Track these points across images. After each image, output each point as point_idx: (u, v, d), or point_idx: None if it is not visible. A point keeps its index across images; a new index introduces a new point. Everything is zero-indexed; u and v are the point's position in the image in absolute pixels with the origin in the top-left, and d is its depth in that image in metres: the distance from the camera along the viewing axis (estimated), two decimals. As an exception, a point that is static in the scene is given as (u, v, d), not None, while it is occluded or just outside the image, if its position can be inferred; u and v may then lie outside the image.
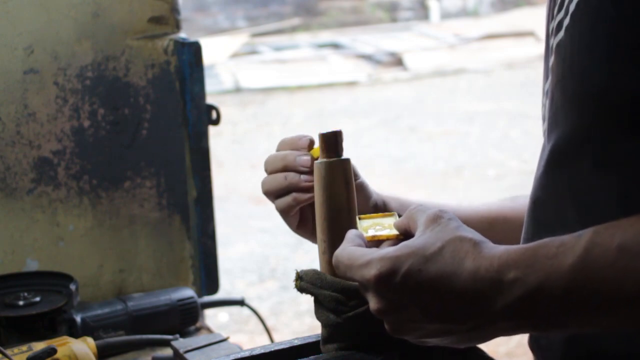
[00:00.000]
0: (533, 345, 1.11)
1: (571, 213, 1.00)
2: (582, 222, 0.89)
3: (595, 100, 0.95)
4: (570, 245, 0.85)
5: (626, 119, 0.94)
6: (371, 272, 0.89)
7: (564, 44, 0.99)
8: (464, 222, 0.95)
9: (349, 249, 0.95)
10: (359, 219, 1.06)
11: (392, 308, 0.90)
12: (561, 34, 0.99)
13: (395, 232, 1.00)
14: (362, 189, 1.17)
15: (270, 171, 1.15)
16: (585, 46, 0.95)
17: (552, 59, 1.02)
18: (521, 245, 0.88)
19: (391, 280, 0.88)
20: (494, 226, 1.24)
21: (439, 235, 0.90)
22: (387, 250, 0.90)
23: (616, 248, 0.82)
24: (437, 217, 0.93)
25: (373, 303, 0.92)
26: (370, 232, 1.02)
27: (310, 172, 1.10)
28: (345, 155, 1.08)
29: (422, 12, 15.11)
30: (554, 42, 1.01)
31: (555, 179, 1.03)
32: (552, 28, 1.03)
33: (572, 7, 0.97)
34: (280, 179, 1.13)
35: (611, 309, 0.84)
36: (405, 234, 0.98)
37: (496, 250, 0.88)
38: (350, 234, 0.99)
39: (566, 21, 0.98)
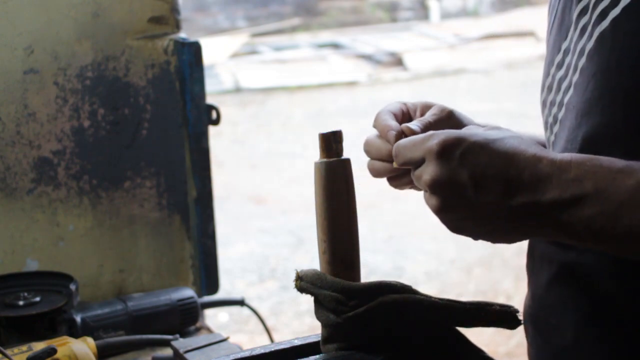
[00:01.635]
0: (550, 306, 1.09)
1: None
2: None
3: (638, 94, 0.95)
4: (636, 167, 0.88)
5: None
6: (434, 141, 0.93)
7: (610, 35, 0.98)
8: None
9: (408, 138, 0.99)
10: None
11: (447, 178, 0.93)
12: (605, 23, 0.98)
13: None
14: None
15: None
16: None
17: (590, 44, 1.01)
18: (585, 155, 0.91)
19: (453, 151, 0.92)
20: None
21: (500, 132, 0.96)
22: (451, 129, 0.96)
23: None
24: (497, 126, 1.01)
25: (427, 173, 0.94)
26: None
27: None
28: (345, 155, 1.08)
29: (422, 12, 15.12)
30: (597, 29, 0.99)
31: None
32: (587, 8, 1.01)
33: (624, 1, 0.96)
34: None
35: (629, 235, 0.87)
36: None
37: (558, 153, 0.92)
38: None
39: (615, 12, 0.97)
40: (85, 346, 1.30)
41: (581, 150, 1.02)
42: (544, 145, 1.13)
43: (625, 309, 0.95)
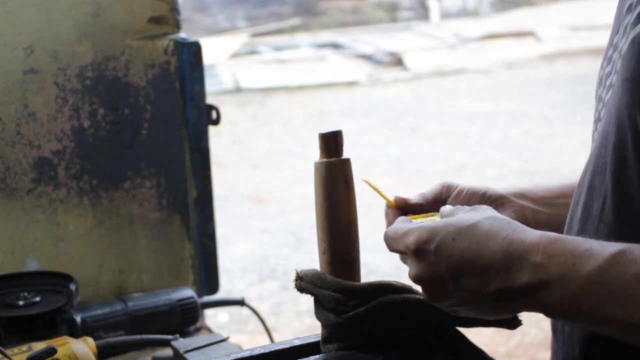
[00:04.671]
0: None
1: None
2: None
3: None
4: (595, 252, 0.89)
5: None
6: (410, 239, 0.98)
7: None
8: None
9: (395, 225, 1.03)
10: (410, 219, 1.09)
11: (427, 274, 0.97)
12: (639, 27, 0.95)
13: (439, 217, 1.06)
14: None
15: None
16: None
17: (625, 46, 0.97)
18: (557, 234, 0.93)
19: (427, 248, 0.96)
20: None
21: (477, 214, 0.99)
22: (427, 223, 1.00)
23: (633, 275, 0.86)
24: (479, 205, 1.03)
25: (411, 269, 0.99)
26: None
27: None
28: (345, 155, 1.08)
29: (422, 12, 15.12)
30: (632, 32, 0.96)
31: None
32: (632, 6, 0.97)
33: None
34: None
35: (616, 323, 0.89)
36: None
37: (530, 232, 0.94)
38: (399, 218, 1.07)
39: None
40: (85, 346, 1.30)
41: (612, 160, 0.99)
42: (520, 219, 1.13)
43: None
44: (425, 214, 1.13)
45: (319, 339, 1.07)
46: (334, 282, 1.03)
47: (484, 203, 1.16)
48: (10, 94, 1.54)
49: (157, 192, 1.67)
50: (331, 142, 1.07)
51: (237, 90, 10.54)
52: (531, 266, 0.91)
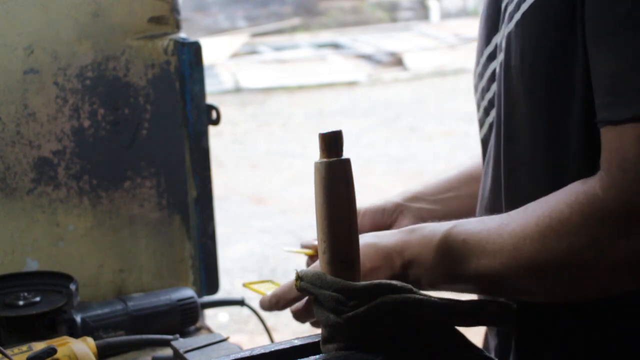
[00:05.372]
0: None
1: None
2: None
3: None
4: (437, 231, 1.10)
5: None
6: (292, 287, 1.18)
7: (513, 38, 1.08)
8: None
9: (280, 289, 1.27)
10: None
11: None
12: (511, 24, 1.08)
13: (273, 284, 1.35)
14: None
15: None
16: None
17: (504, 41, 1.11)
18: (413, 227, 1.14)
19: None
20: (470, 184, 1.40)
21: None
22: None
23: (462, 241, 1.07)
24: None
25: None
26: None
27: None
28: (345, 155, 1.08)
29: (422, 12, 15.13)
30: (506, 29, 1.10)
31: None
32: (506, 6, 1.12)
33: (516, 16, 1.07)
34: None
35: (462, 279, 1.07)
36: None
37: (391, 235, 1.15)
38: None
39: (517, 15, 1.07)
40: (85, 346, 1.29)
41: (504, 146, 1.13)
42: None
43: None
44: (260, 281, 1.39)
45: (319, 339, 1.07)
46: (334, 282, 1.03)
47: (386, 218, 1.36)
48: (10, 94, 1.54)
49: (157, 192, 1.67)
50: (331, 142, 1.06)
51: (237, 90, 10.54)
52: (398, 255, 1.11)
